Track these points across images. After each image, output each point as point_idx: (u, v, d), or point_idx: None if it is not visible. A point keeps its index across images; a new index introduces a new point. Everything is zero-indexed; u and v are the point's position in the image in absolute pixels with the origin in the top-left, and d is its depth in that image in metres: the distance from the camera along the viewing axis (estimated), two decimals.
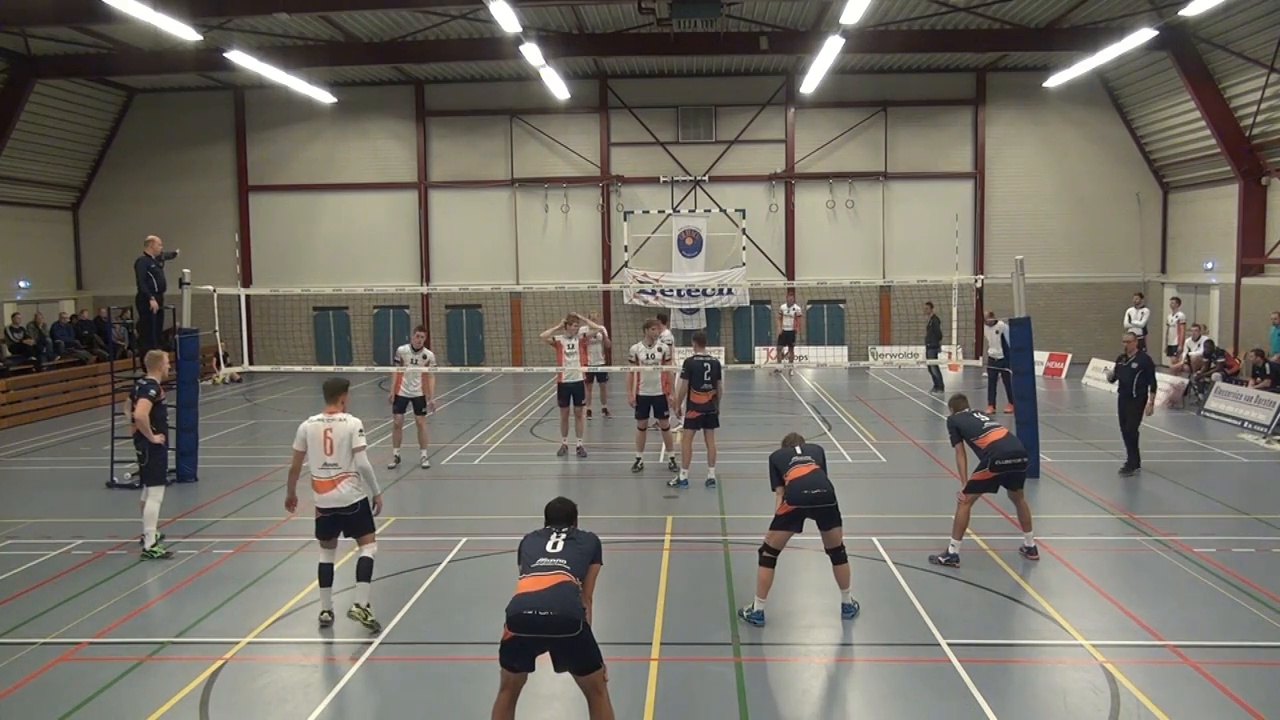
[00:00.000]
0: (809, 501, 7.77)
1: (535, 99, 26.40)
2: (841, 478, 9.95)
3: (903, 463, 14.24)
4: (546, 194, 27.67)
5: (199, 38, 18.51)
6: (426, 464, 14.16)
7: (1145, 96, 25.23)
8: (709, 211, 27.27)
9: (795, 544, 8.58)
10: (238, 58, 20.31)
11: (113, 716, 6.54)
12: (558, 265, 27.51)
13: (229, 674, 7.11)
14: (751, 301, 27.40)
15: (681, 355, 13.83)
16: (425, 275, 27.76)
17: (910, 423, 17.65)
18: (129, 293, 15.15)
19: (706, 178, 27.43)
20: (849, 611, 8.00)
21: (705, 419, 12.57)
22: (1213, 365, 19.38)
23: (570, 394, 14.55)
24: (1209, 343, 20.37)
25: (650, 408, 13.62)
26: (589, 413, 16.14)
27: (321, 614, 7.94)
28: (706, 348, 13.12)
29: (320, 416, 7.93)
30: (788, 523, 7.85)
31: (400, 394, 14.09)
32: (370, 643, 7.61)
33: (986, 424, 9.46)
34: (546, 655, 5.52)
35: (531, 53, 20.16)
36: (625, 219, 27.18)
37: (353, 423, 7.91)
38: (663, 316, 16.75)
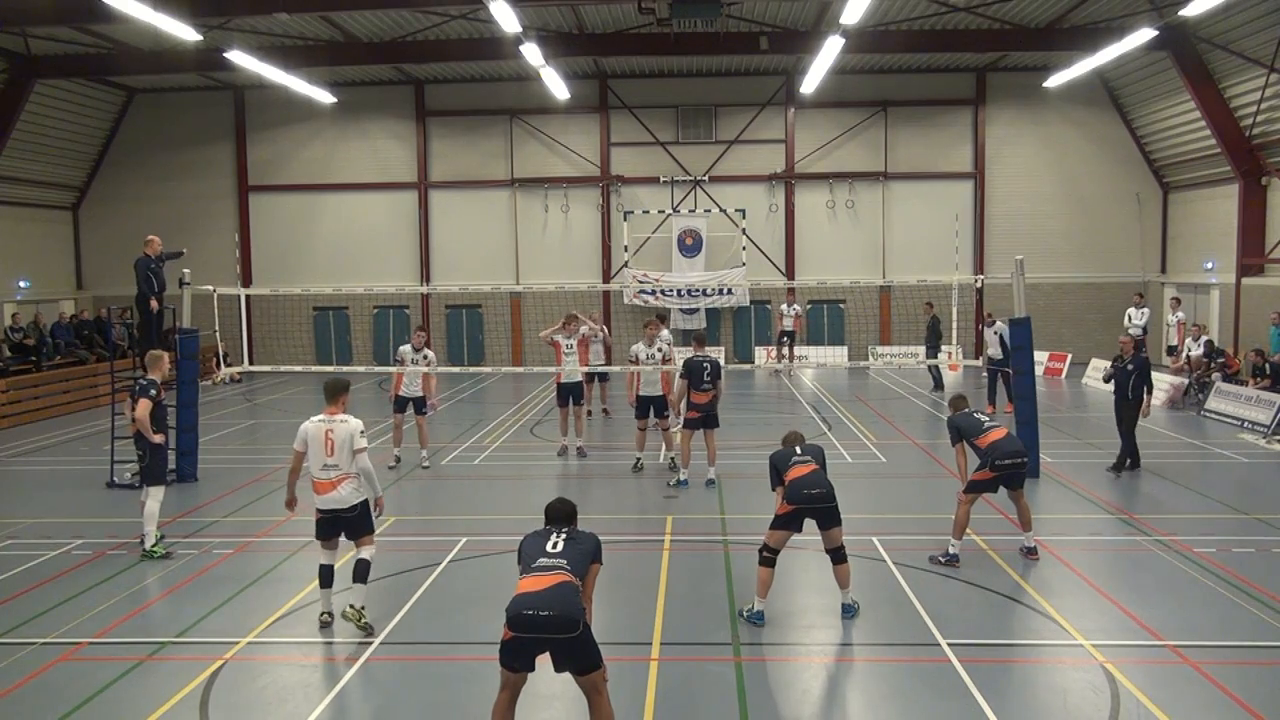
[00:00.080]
0: (809, 501, 7.77)
1: (535, 99, 26.40)
2: (841, 478, 9.96)
3: (903, 463, 14.24)
4: (546, 194, 27.67)
5: (199, 38, 18.52)
6: (426, 464, 14.16)
7: (1145, 96, 25.23)
8: (709, 211, 27.27)
9: (795, 544, 8.58)
10: (238, 58, 20.31)
11: (113, 716, 6.54)
12: (558, 265, 27.51)
13: (229, 674, 7.11)
14: (751, 301, 27.40)
15: (681, 355, 13.81)
16: (425, 275, 27.76)
17: (910, 423, 17.65)
18: (129, 293, 15.15)
19: (706, 178, 27.43)
20: (849, 611, 8.01)
21: (705, 419, 12.57)
22: (1213, 365, 19.37)
23: (569, 394, 14.54)
24: (1209, 343, 20.36)
25: (650, 408, 13.62)
26: (589, 413, 16.14)
27: (321, 615, 7.94)
28: (706, 348, 13.13)
29: (321, 417, 7.92)
30: (787, 522, 7.85)
31: (400, 394, 14.09)
32: (370, 643, 7.61)
33: (986, 424, 9.47)
34: (546, 655, 5.51)
35: (531, 53, 20.16)
36: (625, 219, 27.18)
37: (354, 424, 7.90)
38: (661, 316, 16.75)
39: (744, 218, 27.10)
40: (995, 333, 18.23)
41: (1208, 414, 17.90)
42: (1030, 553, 9.46)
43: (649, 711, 6.46)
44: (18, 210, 25.58)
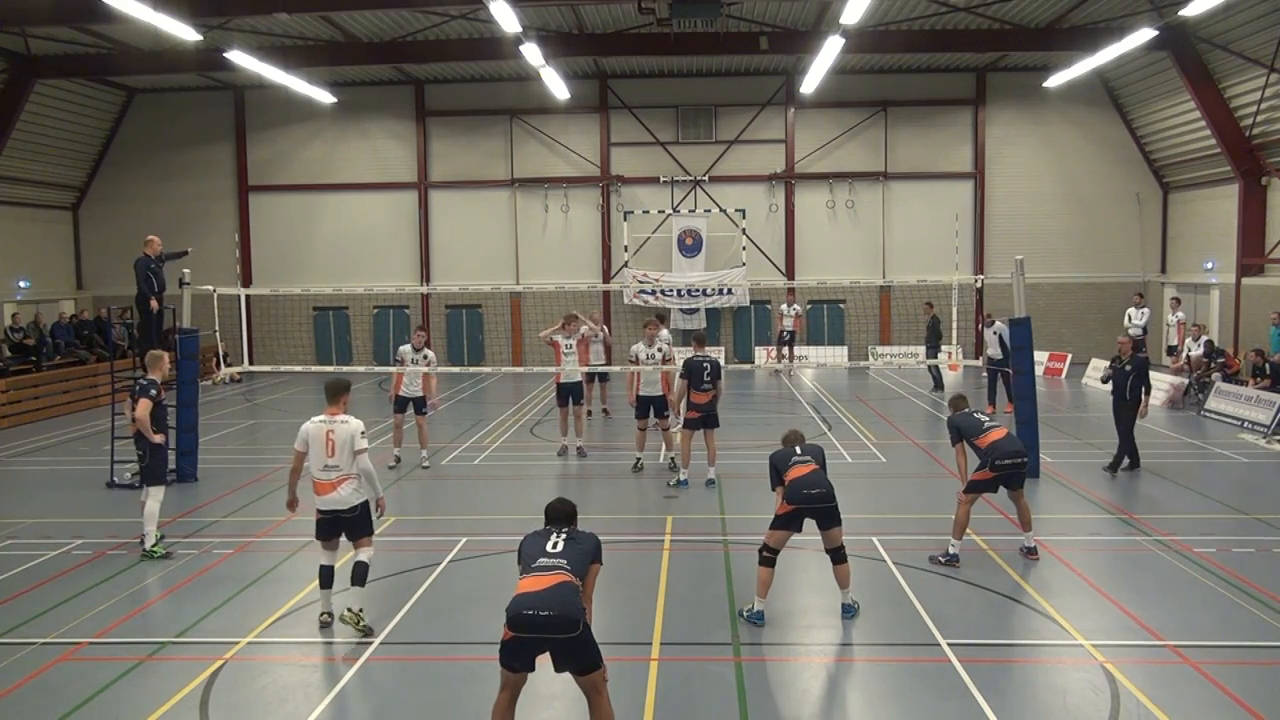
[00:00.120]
0: (809, 501, 7.77)
1: (535, 99, 26.40)
2: (841, 478, 9.96)
3: (903, 463, 14.24)
4: (546, 194, 27.67)
5: (199, 38, 18.52)
6: (426, 464, 14.16)
7: (1145, 96, 25.23)
8: (709, 211, 27.27)
9: (795, 544, 8.58)
10: (238, 58, 20.31)
11: (113, 716, 6.54)
12: (558, 265, 27.51)
13: (229, 674, 7.11)
14: (751, 301, 27.40)
15: (681, 355, 13.81)
16: (425, 275, 27.77)
17: (910, 423, 17.65)
18: (129, 293, 15.14)
19: (706, 178, 27.43)
20: (849, 611, 8.01)
21: (705, 419, 12.57)
22: (1213, 365, 19.37)
23: (569, 394, 14.54)
24: (1209, 343, 20.36)
25: (650, 408, 13.62)
26: (589, 413, 16.14)
27: (321, 615, 7.93)
28: (706, 348, 13.13)
29: (322, 418, 7.91)
30: (787, 522, 7.86)
31: (400, 394, 14.09)
32: (370, 643, 7.60)
33: (986, 424, 9.47)
34: (546, 655, 5.51)
35: (531, 53, 20.16)
36: (625, 219, 27.18)
37: (355, 424, 7.89)
38: (660, 316, 16.75)
39: (744, 218, 27.10)
40: (994, 333, 18.24)
41: (1208, 414, 17.91)
42: (1030, 553, 9.46)
43: (649, 711, 6.46)
44: (18, 210, 25.58)
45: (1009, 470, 9.17)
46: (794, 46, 22.98)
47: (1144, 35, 19.36)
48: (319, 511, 7.90)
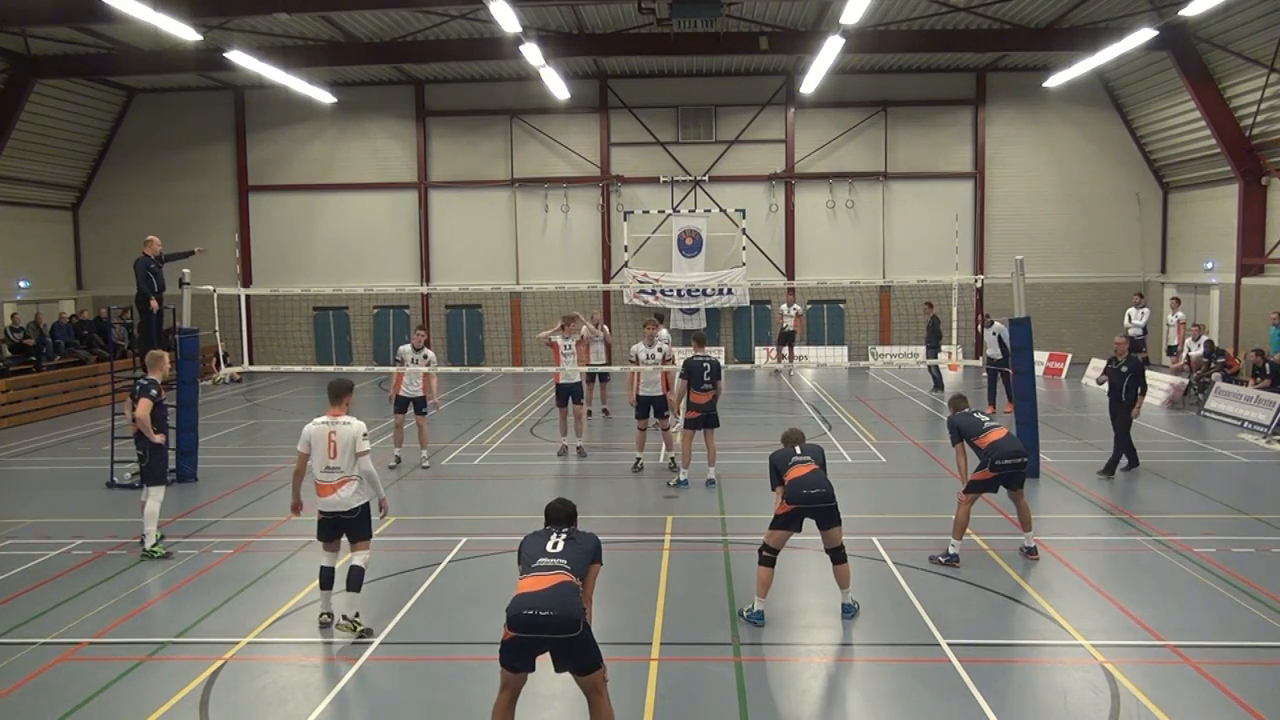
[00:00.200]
0: (808, 501, 7.78)
1: (535, 99, 26.40)
2: (841, 478, 9.96)
3: (903, 463, 14.24)
4: (546, 194, 27.67)
5: (199, 38, 18.51)
6: (426, 464, 14.16)
7: (1145, 96, 25.23)
8: (709, 211, 27.27)
9: (795, 544, 8.58)
10: (238, 58, 20.31)
11: (113, 716, 6.55)
12: (558, 265, 27.51)
13: (229, 674, 7.12)
14: (751, 301, 27.40)
15: (681, 355, 13.81)
16: (425, 275, 27.76)
17: (910, 423, 17.65)
18: (129, 293, 15.14)
19: (706, 178, 27.43)
20: (849, 611, 8.01)
21: (705, 419, 12.57)
22: (1213, 365, 19.37)
23: (569, 394, 14.54)
24: (1209, 343, 20.36)
25: (650, 408, 13.62)
26: (589, 413, 16.14)
27: (321, 615, 7.93)
28: (706, 348, 13.12)
29: (324, 419, 7.90)
30: (787, 522, 7.86)
31: (401, 394, 14.08)
32: (370, 643, 7.60)
33: (986, 424, 9.47)
34: (546, 655, 5.52)
35: (531, 53, 20.16)
36: (625, 219, 27.18)
37: (357, 426, 7.87)
38: (660, 316, 16.75)
39: (744, 218, 27.09)
40: (994, 333, 18.25)
41: (1208, 414, 17.90)
42: (1030, 553, 9.46)
43: (649, 711, 6.46)
44: (18, 210, 25.57)
45: (1009, 470, 9.17)
46: (794, 46, 22.97)
47: (1144, 35, 19.36)
48: (320, 513, 7.89)
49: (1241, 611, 8.08)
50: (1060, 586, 8.73)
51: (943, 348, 22.39)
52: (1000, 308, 20.50)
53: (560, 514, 6.12)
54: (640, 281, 26.61)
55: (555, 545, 5.81)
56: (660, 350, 13.70)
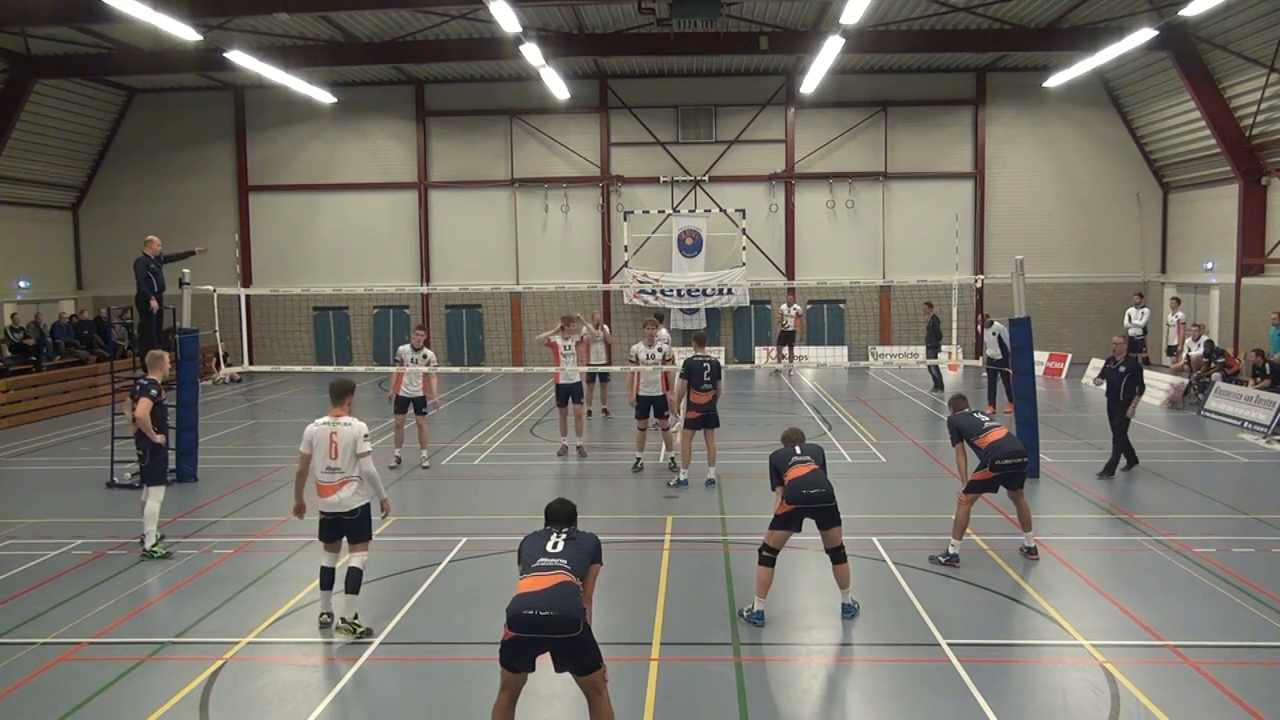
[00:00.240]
0: (808, 501, 7.78)
1: (535, 99, 26.40)
2: (841, 478, 9.97)
3: (903, 463, 14.24)
4: (546, 194, 27.67)
5: (199, 38, 18.51)
6: (426, 464, 14.16)
7: (1145, 96, 25.23)
8: (709, 211, 27.27)
9: (795, 544, 8.59)
10: (238, 58, 20.31)
11: (113, 716, 6.55)
12: (558, 265, 27.51)
13: (229, 674, 7.12)
14: (751, 301, 27.39)
15: (681, 355, 13.81)
16: (425, 275, 27.77)
17: (910, 423, 17.65)
18: (129, 293, 15.14)
19: (706, 178, 27.43)
20: (849, 611, 8.01)
21: (705, 419, 12.57)
22: (1213, 365, 19.37)
23: (569, 394, 14.55)
24: (1209, 343, 20.36)
25: (650, 408, 13.62)
26: (589, 413, 16.14)
27: (321, 615, 7.93)
28: (706, 348, 13.12)
29: (326, 419, 7.89)
30: (787, 522, 7.86)
31: (401, 394, 14.07)
32: (370, 643, 7.60)
33: (986, 424, 9.47)
34: (546, 655, 5.52)
35: (531, 53, 20.16)
36: (625, 219, 27.18)
37: (358, 427, 7.85)
38: (659, 316, 16.75)
39: (744, 218, 27.09)
40: (993, 333, 18.26)
41: (1208, 414, 17.90)
42: (1030, 553, 9.46)
43: (649, 711, 6.46)
44: (18, 210, 25.57)
45: (1009, 470, 9.17)
46: (794, 46, 22.97)
47: (1144, 35, 19.36)
48: (321, 513, 7.87)
49: (1241, 611, 8.08)
50: (1060, 586, 8.73)
51: (943, 348, 22.39)
52: (1000, 308, 20.51)
53: (560, 514, 6.12)
54: (640, 281, 26.61)
55: (555, 545, 5.81)
56: (660, 350, 13.70)
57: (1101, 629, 7.72)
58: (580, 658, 5.54)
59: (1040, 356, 23.78)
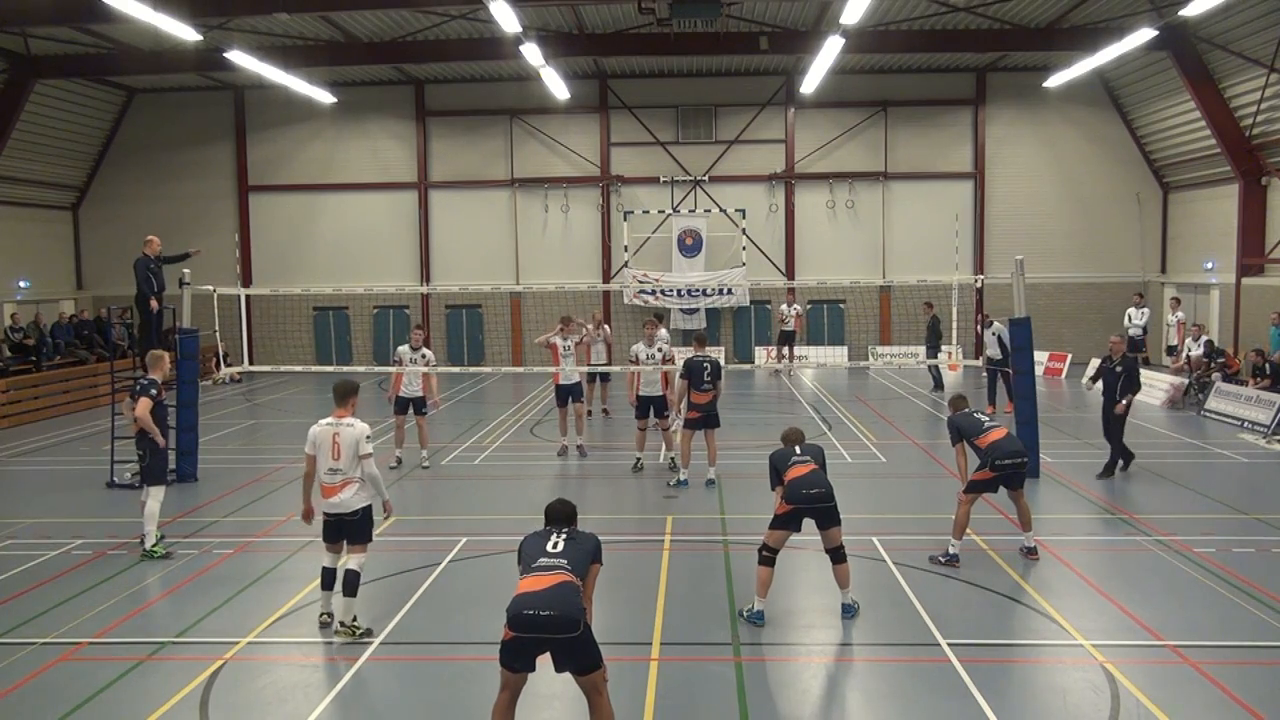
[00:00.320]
0: (808, 501, 7.78)
1: (535, 99, 26.40)
2: (841, 478, 9.97)
3: (903, 463, 14.24)
4: (546, 194, 27.67)
5: (199, 38, 18.51)
6: (426, 464, 14.16)
7: (1145, 96, 25.23)
8: (709, 211, 27.27)
9: (795, 544, 8.59)
10: (238, 58, 20.31)
11: (113, 716, 6.55)
12: (558, 265, 27.51)
13: (229, 674, 7.12)
14: (751, 301, 27.39)
15: (681, 355, 13.81)
16: (425, 275, 27.77)
17: (910, 423, 17.65)
18: (129, 293, 15.15)
19: (706, 178, 27.43)
20: (849, 611, 8.01)
21: (706, 419, 12.57)
22: (1213, 365, 19.38)
23: (569, 394, 14.55)
24: (1209, 343, 20.36)
25: (650, 408, 13.62)
26: (589, 412, 16.14)
27: (321, 615, 7.93)
28: (707, 348, 13.12)
29: (329, 420, 7.87)
30: (786, 522, 7.86)
31: (400, 394, 14.05)
32: (370, 643, 7.61)
33: (986, 424, 9.47)
34: (547, 655, 5.52)
35: (531, 53, 20.16)
36: (625, 219, 27.18)
37: (361, 428, 7.82)
38: (659, 315, 16.74)
39: (744, 218, 27.09)
40: (993, 333, 18.26)
41: (1208, 414, 17.90)
42: (1030, 553, 9.46)
43: (649, 711, 6.46)
44: (18, 210, 25.57)
45: (1009, 470, 9.17)
46: (794, 46, 22.97)
47: (1144, 35, 19.36)
48: (324, 514, 7.87)
49: (1241, 611, 8.08)
50: (1060, 586, 8.73)
51: (943, 348, 22.39)
52: (1000, 308, 20.51)
53: (560, 514, 6.12)
54: (640, 281, 26.61)
55: (555, 545, 5.81)
56: (660, 350, 13.70)
57: (1101, 629, 7.72)
58: (580, 658, 5.54)
59: (1040, 356, 23.78)
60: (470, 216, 27.95)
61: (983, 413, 9.82)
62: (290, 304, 26.37)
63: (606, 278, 27.23)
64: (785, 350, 24.78)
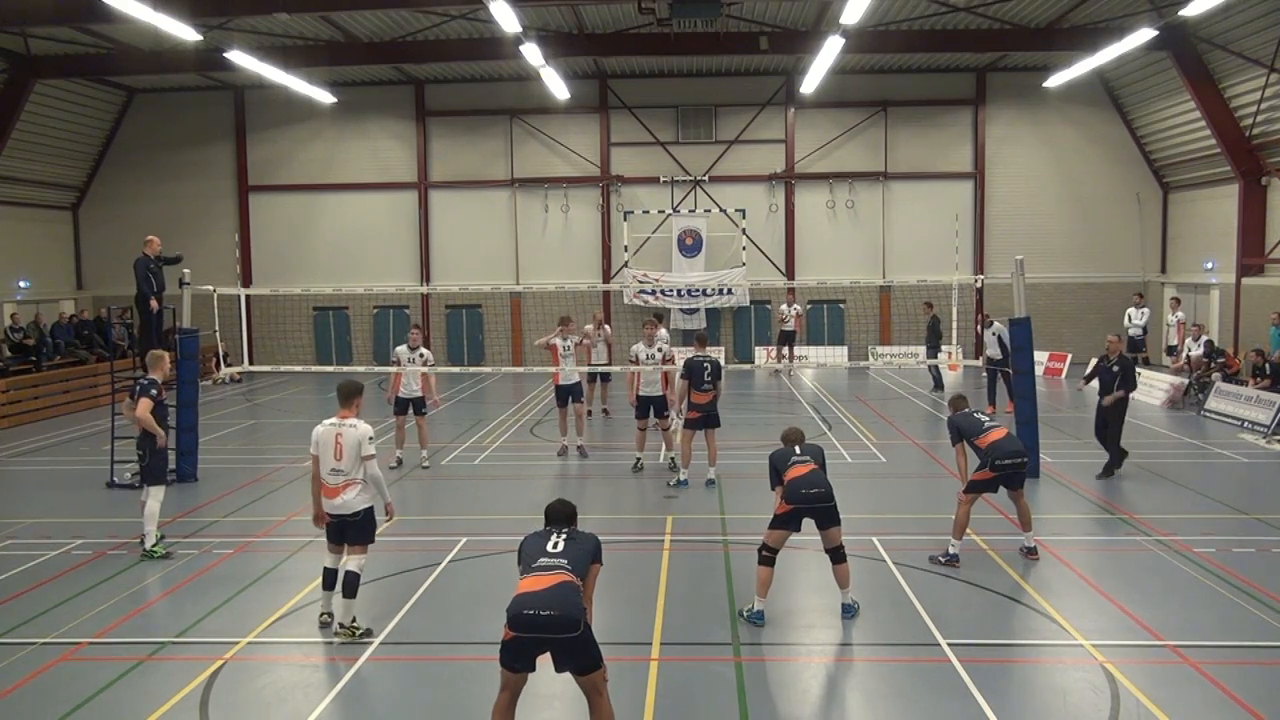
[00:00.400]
0: (807, 501, 7.78)
1: (535, 99, 26.40)
2: (841, 478, 9.97)
3: (903, 463, 14.24)
4: (546, 194, 27.67)
5: (199, 38, 18.51)
6: (426, 464, 14.16)
7: (1145, 96, 25.24)
8: (709, 211, 27.27)
9: (795, 544, 8.59)
10: (238, 58, 20.31)
11: (113, 716, 6.55)
12: (558, 265, 27.51)
13: (229, 674, 7.12)
14: (751, 301, 27.39)
15: (682, 355, 13.81)
16: (425, 275, 27.77)
17: (910, 423, 17.65)
18: (129, 293, 15.15)
19: (706, 178, 27.43)
20: (849, 611, 8.01)
21: (706, 419, 12.57)
22: (1213, 365, 19.37)
23: (569, 394, 14.54)
24: (1209, 343, 20.36)
25: (650, 408, 13.62)
26: (589, 413, 16.14)
27: (321, 615, 7.93)
28: (707, 348, 13.12)
29: (332, 421, 7.85)
30: (786, 522, 7.86)
31: (400, 395, 14.04)
32: (370, 643, 7.60)
33: (986, 424, 9.47)
34: (547, 655, 5.52)
35: (531, 53, 20.16)
36: (625, 219, 27.18)
37: (363, 429, 7.78)
38: (658, 315, 16.73)
39: (744, 218, 27.09)
40: (993, 334, 18.26)
41: (1208, 414, 17.90)
42: (1030, 553, 9.46)
43: (649, 711, 6.46)
44: (18, 210, 25.57)
45: (1009, 470, 9.17)
46: (794, 46, 22.97)
47: (1144, 35, 19.36)
48: (327, 515, 7.86)
49: (1241, 611, 8.08)
50: (1060, 586, 8.73)
51: (943, 348, 22.39)
52: (1000, 308, 20.51)
53: (560, 514, 6.12)
54: (640, 281, 26.61)
55: (555, 545, 5.81)
56: (660, 350, 13.70)
57: (1101, 629, 7.72)
58: (580, 658, 5.54)
59: (1040, 356, 23.78)
60: (470, 216, 27.95)
61: (983, 413, 9.82)
62: (290, 304, 26.37)
63: (606, 278, 27.23)
64: (785, 350, 24.77)
